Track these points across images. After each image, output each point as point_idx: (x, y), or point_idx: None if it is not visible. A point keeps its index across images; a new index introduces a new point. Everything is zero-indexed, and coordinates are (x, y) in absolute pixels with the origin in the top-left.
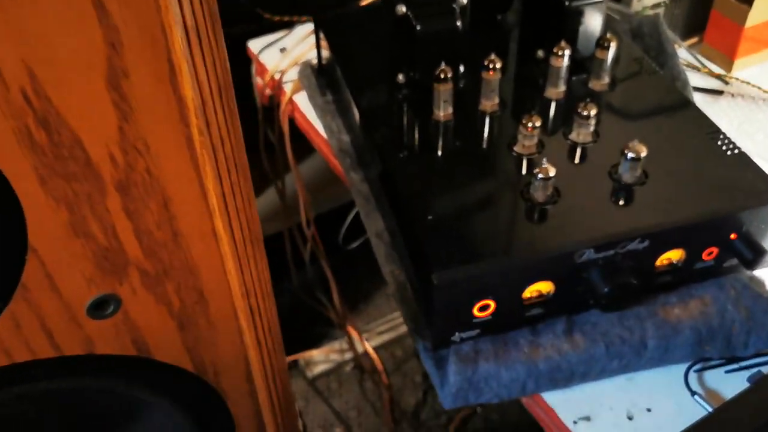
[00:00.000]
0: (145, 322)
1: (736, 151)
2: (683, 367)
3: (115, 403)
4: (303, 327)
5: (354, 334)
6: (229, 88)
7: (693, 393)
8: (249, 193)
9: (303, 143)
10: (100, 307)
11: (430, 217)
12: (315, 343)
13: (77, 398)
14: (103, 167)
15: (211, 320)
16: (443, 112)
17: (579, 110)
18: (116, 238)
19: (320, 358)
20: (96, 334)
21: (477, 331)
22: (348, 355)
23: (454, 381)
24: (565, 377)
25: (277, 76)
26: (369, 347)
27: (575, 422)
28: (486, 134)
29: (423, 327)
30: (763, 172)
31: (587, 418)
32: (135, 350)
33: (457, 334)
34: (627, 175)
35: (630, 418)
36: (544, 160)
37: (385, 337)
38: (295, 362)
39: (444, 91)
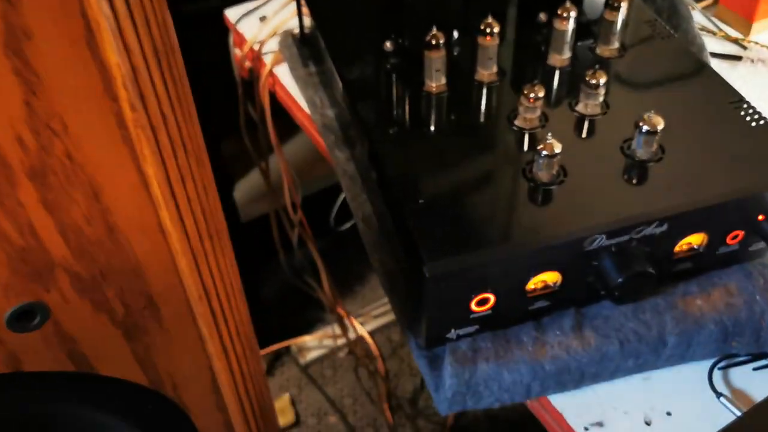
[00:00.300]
0: (83, 334)
1: (762, 122)
2: (706, 364)
3: (60, 424)
4: (295, 312)
5: (348, 318)
6: (172, 52)
7: (719, 395)
8: (205, 179)
9: (289, 119)
10: (23, 318)
11: (421, 201)
12: (308, 329)
13: (11, 422)
14: (9, 152)
15: (164, 327)
16: (435, 82)
17: (586, 79)
18: (35, 237)
19: (313, 344)
20: (21, 349)
21: (475, 327)
22: (342, 341)
23: (450, 384)
24: (575, 379)
25: (256, 47)
26: (364, 332)
27: (586, 429)
28: (483, 107)
29: (415, 322)
30: None
31: (599, 424)
32: (73, 365)
33: (453, 330)
34: (641, 151)
35: (648, 424)
36: (549, 134)
37: (381, 321)
38: (287, 349)
39: (436, 59)
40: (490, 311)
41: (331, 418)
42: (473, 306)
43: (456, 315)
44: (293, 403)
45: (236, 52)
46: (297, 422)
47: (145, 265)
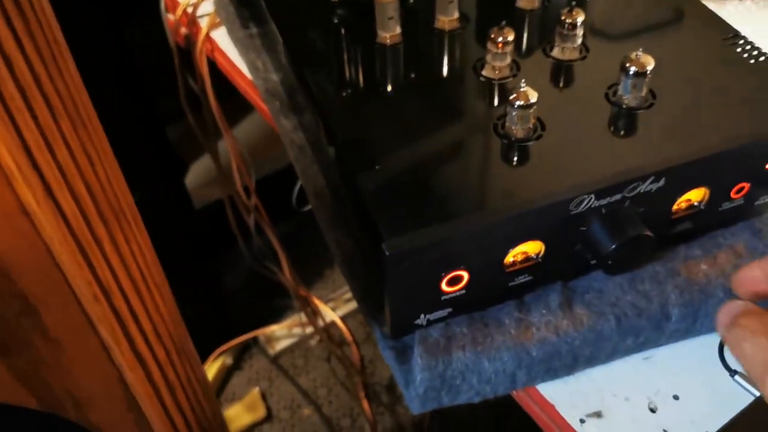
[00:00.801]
0: None
1: (762, 58)
2: (716, 338)
3: None
4: (261, 300)
5: (319, 304)
6: None
7: (733, 372)
8: (90, 147)
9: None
10: None
11: (377, 167)
12: (276, 317)
13: None
14: None
15: (51, 337)
16: (389, 33)
17: (562, 19)
18: None
19: (282, 333)
20: None
21: (447, 310)
22: (313, 328)
23: (421, 379)
24: (567, 364)
25: (190, 10)
26: (335, 317)
27: (582, 420)
28: (445, 58)
29: (378, 309)
30: None
31: (598, 414)
32: None
33: (422, 315)
34: (629, 97)
35: (653, 410)
36: (522, 83)
37: (353, 305)
38: (254, 340)
39: (388, 5)
40: (463, 291)
41: (305, 410)
42: (444, 286)
43: (424, 298)
44: (264, 397)
45: (169, 17)
46: (269, 417)
47: (9, 260)
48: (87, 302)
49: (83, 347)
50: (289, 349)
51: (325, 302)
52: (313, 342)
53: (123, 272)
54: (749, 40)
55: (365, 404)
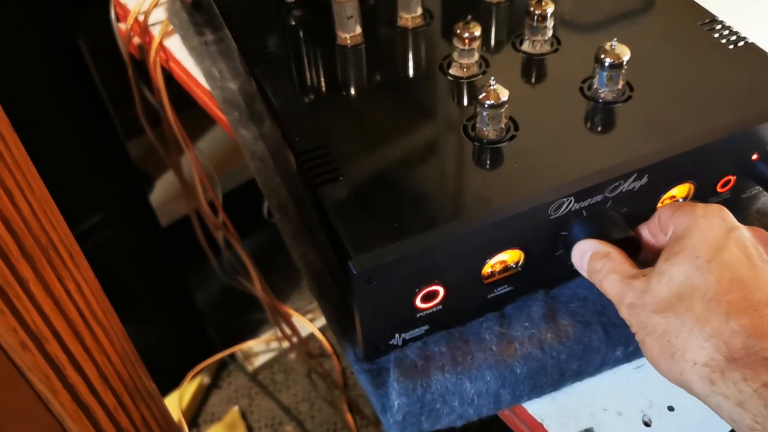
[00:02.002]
0: None
1: (742, 43)
2: None
3: None
4: (236, 316)
5: (296, 316)
6: None
7: None
8: (14, 172)
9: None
10: None
11: (341, 178)
12: (253, 332)
13: None
14: None
15: None
16: (349, 33)
17: (531, 11)
18: None
19: (260, 348)
20: None
21: (424, 327)
22: (293, 341)
23: (399, 404)
24: (553, 380)
25: (141, 18)
26: (314, 328)
27: None
28: (410, 57)
29: (350, 329)
30: None
31: (589, 431)
32: None
33: (397, 335)
34: (605, 90)
35: (647, 424)
36: (492, 80)
37: None
38: (232, 357)
39: (346, 4)
40: (440, 306)
41: (287, 427)
42: (419, 303)
43: (399, 316)
44: (244, 415)
45: (120, 27)
46: None
47: None
48: (13, 352)
49: (14, 400)
50: (268, 365)
51: (303, 314)
52: (292, 356)
53: (57, 315)
54: (727, 24)
55: (349, 418)
